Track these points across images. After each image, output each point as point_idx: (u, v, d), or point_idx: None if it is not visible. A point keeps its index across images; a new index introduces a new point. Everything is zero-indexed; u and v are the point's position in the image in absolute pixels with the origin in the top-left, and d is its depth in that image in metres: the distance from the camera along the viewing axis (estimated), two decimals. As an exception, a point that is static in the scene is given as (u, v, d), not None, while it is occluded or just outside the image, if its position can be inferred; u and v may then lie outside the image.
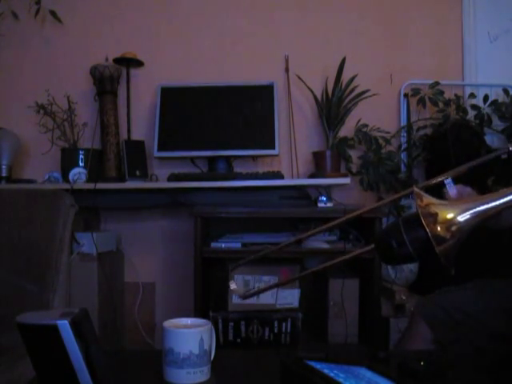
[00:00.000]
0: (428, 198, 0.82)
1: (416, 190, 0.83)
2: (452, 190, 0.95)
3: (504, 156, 1.03)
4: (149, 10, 2.47)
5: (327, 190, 2.32)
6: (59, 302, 1.56)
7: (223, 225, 2.13)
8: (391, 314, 2.00)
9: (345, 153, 2.33)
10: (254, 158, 2.37)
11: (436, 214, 0.79)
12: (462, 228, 0.79)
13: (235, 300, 1.96)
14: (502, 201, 0.81)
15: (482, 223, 0.82)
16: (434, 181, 0.97)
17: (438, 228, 0.78)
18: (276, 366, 0.83)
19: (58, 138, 2.29)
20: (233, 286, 1.15)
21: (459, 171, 0.97)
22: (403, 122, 2.40)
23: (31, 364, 0.80)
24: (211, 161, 2.30)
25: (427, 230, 0.77)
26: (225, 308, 1.97)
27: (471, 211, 0.81)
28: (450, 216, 0.80)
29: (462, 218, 0.80)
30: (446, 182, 0.96)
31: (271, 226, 2.11)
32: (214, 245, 1.97)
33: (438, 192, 0.95)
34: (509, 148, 0.99)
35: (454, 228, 0.79)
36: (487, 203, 0.82)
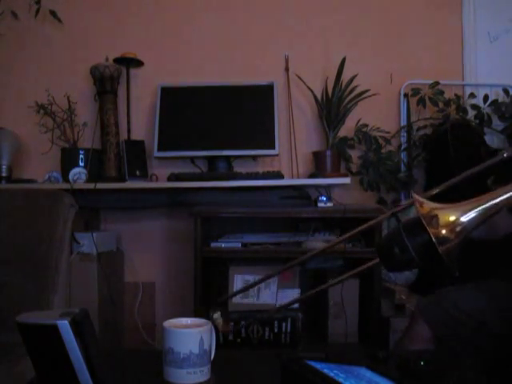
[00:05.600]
0: (428, 204, 0.83)
1: (416, 196, 0.84)
2: None
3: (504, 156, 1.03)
4: (149, 10, 2.47)
5: (327, 189, 2.32)
6: (59, 302, 1.55)
7: (223, 225, 2.13)
8: (391, 314, 2.00)
9: (345, 153, 2.33)
10: (254, 157, 2.37)
11: (437, 218, 0.80)
12: (467, 228, 0.80)
13: (235, 300, 1.96)
14: (503, 197, 0.82)
15: (485, 221, 0.82)
16: (436, 191, 0.98)
17: (442, 230, 0.79)
18: (276, 366, 0.83)
19: (58, 137, 2.29)
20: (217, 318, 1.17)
21: (462, 178, 0.98)
22: (403, 122, 2.40)
23: (31, 364, 0.80)
24: (211, 161, 2.30)
25: (429, 231, 0.77)
26: (225, 308, 1.97)
27: (475, 210, 0.81)
28: (452, 218, 0.80)
29: (465, 218, 0.81)
30: None
31: (271, 226, 2.11)
32: (213, 245, 1.97)
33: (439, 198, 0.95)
34: (503, 155, 1.00)
35: (458, 229, 0.80)
36: (489, 201, 0.82)
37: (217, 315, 1.46)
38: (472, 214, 0.81)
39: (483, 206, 0.82)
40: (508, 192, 0.82)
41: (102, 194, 2.13)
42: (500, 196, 0.82)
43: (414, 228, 0.82)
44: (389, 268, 0.92)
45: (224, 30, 2.46)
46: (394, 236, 0.86)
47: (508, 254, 1.40)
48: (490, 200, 0.82)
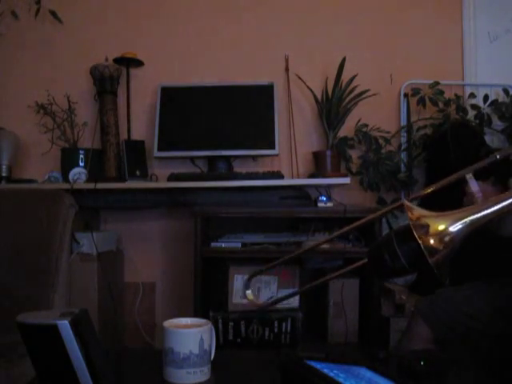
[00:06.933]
0: (419, 211, 0.82)
1: (406, 203, 0.83)
2: (474, 185, 0.96)
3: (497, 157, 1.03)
4: (149, 10, 2.47)
5: (327, 189, 2.32)
6: (59, 302, 1.56)
7: (223, 225, 2.13)
8: (391, 314, 2.00)
9: (345, 153, 2.33)
10: (253, 157, 2.37)
11: (427, 226, 0.79)
12: (455, 238, 0.79)
13: (235, 300, 1.96)
14: (493, 209, 0.81)
15: (475, 232, 0.81)
16: (430, 189, 0.98)
17: (431, 240, 0.78)
18: (276, 366, 0.83)
19: (58, 138, 2.29)
20: (249, 295, 1.14)
21: (456, 178, 0.98)
22: (403, 122, 2.40)
23: (31, 364, 0.80)
24: (211, 161, 2.29)
25: (419, 242, 0.77)
26: (225, 308, 1.97)
27: (463, 221, 0.80)
28: (441, 227, 0.79)
29: (454, 228, 0.80)
30: (467, 177, 0.96)
31: (271, 226, 2.11)
32: (213, 245, 1.97)
33: (434, 200, 0.95)
34: (496, 156, 1.00)
35: (446, 238, 0.79)
36: (478, 212, 0.82)
37: (249, 291, 1.44)
38: (460, 225, 0.80)
39: (473, 217, 0.81)
40: (499, 203, 0.81)
41: (102, 194, 2.13)
42: (491, 207, 0.81)
43: (405, 235, 0.81)
44: (379, 275, 0.92)
45: (224, 30, 2.46)
46: (385, 243, 0.84)
47: None
48: (481, 211, 0.81)
